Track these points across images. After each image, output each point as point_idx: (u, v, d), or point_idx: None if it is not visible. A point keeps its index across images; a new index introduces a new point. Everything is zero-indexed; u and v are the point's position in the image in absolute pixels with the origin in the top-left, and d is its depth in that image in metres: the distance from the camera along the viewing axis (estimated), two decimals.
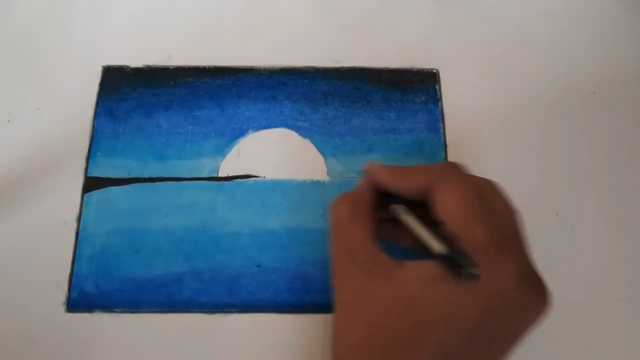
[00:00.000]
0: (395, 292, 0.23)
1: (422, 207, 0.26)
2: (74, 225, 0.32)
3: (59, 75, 0.36)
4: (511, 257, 0.23)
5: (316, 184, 0.33)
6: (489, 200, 0.24)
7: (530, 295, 0.23)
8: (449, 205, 0.24)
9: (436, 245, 0.23)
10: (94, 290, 0.31)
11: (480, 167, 0.34)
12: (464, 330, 0.22)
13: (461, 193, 0.24)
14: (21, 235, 0.32)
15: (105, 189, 0.33)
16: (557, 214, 0.33)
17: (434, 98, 0.36)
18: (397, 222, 0.27)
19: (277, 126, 0.35)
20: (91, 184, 0.33)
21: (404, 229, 0.27)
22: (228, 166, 0.34)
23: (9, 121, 0.35)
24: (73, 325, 0.30)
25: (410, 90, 0.36)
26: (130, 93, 0.35)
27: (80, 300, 0.30)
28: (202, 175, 0.33)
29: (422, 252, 0.25)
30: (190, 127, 0.34)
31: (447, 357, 0.22)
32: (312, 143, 0.34)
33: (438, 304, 0.22)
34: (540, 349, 0.30)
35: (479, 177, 0.26)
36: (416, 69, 0.37)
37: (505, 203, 0.25)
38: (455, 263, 0.22)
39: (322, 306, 0.30)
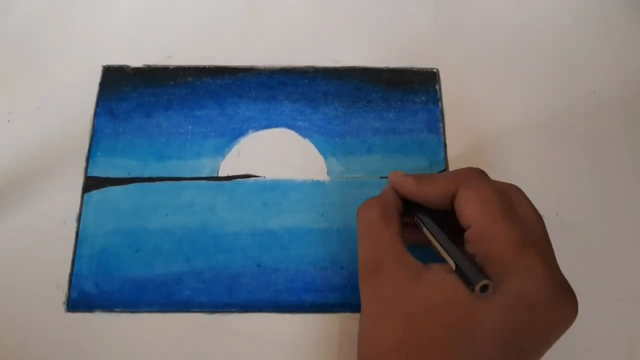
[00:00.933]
0: (427, 294, 0.23)
1: (449, 216, 0.25)
2: (74, 225, 0.32)
3: (59, 75, 0.36)
4: (538, 259, 0.22)
5: (316, 184, 0.33)
6: (513, 204, 0.24)
7: (558, 299, 0.22)
8: (472, 207, 0.24)
9: (449, 261, 0.23)
10: (94, 290, 0.31)
11: (480, 166, 0.34)
12: (493, 335, 0.21)
13: (485, 196, 0.24)
14: (21, 235, 0.32)
15: (105, 188, 0.33)
16: (557, 214, 0.33)
17: (434, 98, 0.36)
18: (417, 228, 0.27)
19: (277, 126, 0.35)
20: (91, 183, 0.33)
21: (424, 236, 0.27)
22: (228, 166, 0.34)
23: (9, 121, 0.35)
24: (73, 325, 0.30)
25: (410, 90, 0.36)
26: (130, 93, 0.35)
27: (80, 300, 0.30)
28: (202, 175, 0.33)
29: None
30: (190, 127, 0.34)
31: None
32: (312, 143, 0.34)
33: (466, 308, 0.22)
34: None
35: (503, 182, 0.26)
36: (416, 69, 0.37)
37: (530, 208, 0.25)
38: (465, 278, 0.22)
39: (322, 306, 0.30)
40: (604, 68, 0.37)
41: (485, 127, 0.35)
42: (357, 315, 0.30)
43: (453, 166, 0.34)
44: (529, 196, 0.33)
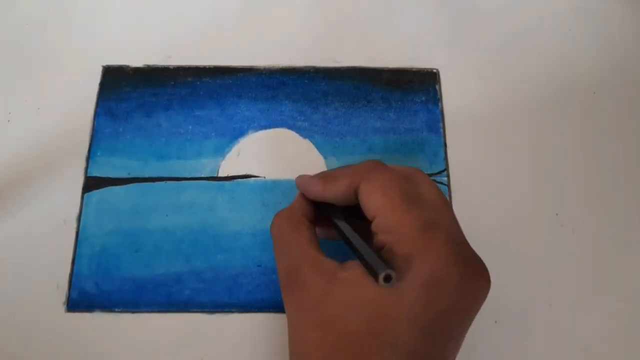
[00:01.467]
0: (343, 293, 0.23)
1: (360, 211, 0.25)
2: (74, 225, 0.32)
3: (59, 75, 0.36)
4: (441, 239, 0.22)
5: None
6: (413, 187, 0.24)
7: (467, 274, 0.22)
8: (373, 199, 0.24)
9: (359, 247, 0.23)
10: (94, 290, 0.31)
11: (480, 167, 0.34)
12: (411, 323, 0.21)
13: (383, 185, 0.24)
14: (21, 235, 0.32)
15: (105, 188, 0.33)
16: (557, 214, 0.33)
17: (434, 98, 0.36)
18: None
19: (277, 126, 0.35)
20: (91, 183, 0.33)
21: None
22: (228, 166, 0.34)
23: (9, 121, 0.35)
24: (73, 325, 0.30)
25: (410, 90, 0.36)
26: (131, 93, 0.35)
27: (80, 300, 0.30)
28: (202, 175, 0.33)
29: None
30: (190, 127, 0.34)
31: (406, 354, 0.21)
32: (312, 143, 0.34)
33: (380, 300, 0.22)
34: (540, 349, 0.30)
35: (402, 167, 0.26)
36: (416, 69, 0.37)
37: (432, 188, 0.25)
38: (370, 270, 0.22)
39: None
40: (604, 68, 0.37)
41: (485, 127, 0.35)
42: None
43: (453, 166, 0.34)
44: (529, 196, 0.33)
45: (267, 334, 0.30)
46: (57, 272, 0.31)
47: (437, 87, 0.36)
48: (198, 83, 0.36)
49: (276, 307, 0.30)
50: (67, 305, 0.30)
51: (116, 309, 0.30)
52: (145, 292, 0.31)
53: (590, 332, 0.30)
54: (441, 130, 0.35)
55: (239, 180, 0.33)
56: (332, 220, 0.27)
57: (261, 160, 0.34)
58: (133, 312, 0.30)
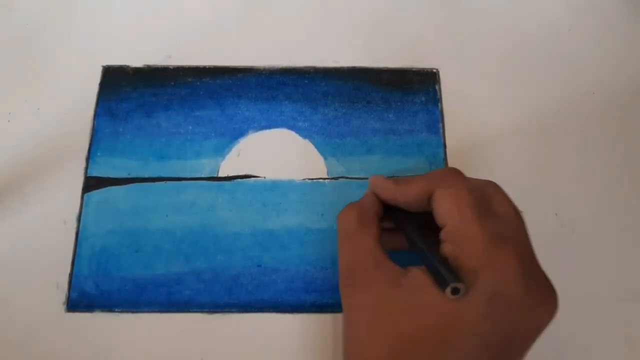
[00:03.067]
0: (406, 299, 0.23)
1: (429, 218, 0.25)
2: (74, 225, 0.32)
3: (59, 75, 0.36)
4: (512, 256, 0.22)
5: (316, 184, 0.33)
6: (489, 201, 0.24)
7: (535, 294, 0.22)
8: (446, 206, 0.24)
9: (430, 256, 0.23)
10: (94, 290, 0.31)
11: (480, 167, 0.34)
12: (474, 336, 0.21)
13: (459, 194, 0.24)
14: (21, 235, 0.32)
15: (105, 188, 0.33)
16: (557, 214, 0.33)
17: (434, 98, 0.36)
18: (399, 232, 0.27)
19: (277, 126, 0.35)
20: (91, 183, 0.33)
21: (404, 239, 0.27)
22: (228, 166, 0.34)
23: (9, 121, 0.35)
24: (73, 325, 0.30)
25: (410, 91, 0.36)
26: (131, 93, 0.35)
27: (80, 300, 0.30)
28: (202, 175, 0.33)
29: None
30: (190, 127, 0.34)
31: None
32: (312, 143, 0.34)
33: (444, 311, 0.22)
34: (540, 349, 0.30)
35: (479, 179, 0.26)
36: (416, 69, 0.37)
37: (507, 203, 0.25)
38: (438, 280, 0.22)
39: (322, 306, 0.30)
40: (604, 68, 0.37)
41: (485, 127, 0.35)
42: None
43: (453, 166, 0.34)
44: (529, 196, 0.33)
45: (267, 334, 0.30)
46: (57, 272, 0.31)
47: (437, 87, 0.36)
48: (198, 83, 0.36)
49: (276, 307, 0.30)
50: (67, 305, 0.30)
51: (116, 309, 0.30)
52: (145, 292, 0.31)
53: (590, 332, 0.30)
54: (441, 130, 0.35)
55: (239, 180, 0.33)
56: (401, 224, 0.27)
57: (261, 161, 0.34)
58: (133, 312, 0.30)
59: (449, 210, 0.24)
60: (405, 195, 0.26)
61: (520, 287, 0.22)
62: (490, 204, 0.24)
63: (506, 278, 0.22)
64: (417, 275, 0.23)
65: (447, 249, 0.23)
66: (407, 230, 0.26)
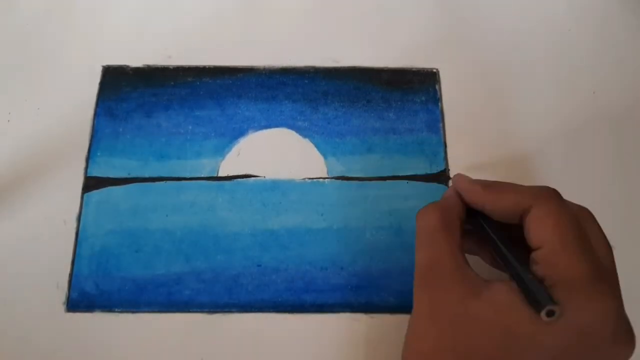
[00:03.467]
0: (484, 312, 0.22)
1: (512, 229, 0.25)
2: (74, 225, 0.32)
3: (59, 75, 0.36)
4: (608, 294, 0.22)
5: (316, 184, 0.33)
6: (585, 230, 0.23)
7: (619, 338, 0.22)
8: (545, 229, 0.23)
9: (524, 275, 0.23)
10: (94, 290, 0.31)
11: (480, 167, 0.34)
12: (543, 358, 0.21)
13: (561, 220, 0.23)
14: (21, 235, 0.32)
15: (105, 188, 0.33)
16: None
17: (434, 98, 0.36)
18: (479, 235, 0.27)
19: (277, 126, 0.35)
20: (91, 183, 0.33)
21: (486, 244, 0.26)
22: (228, 166, 0.34)
23: (9, 121, 0.35)
24: (73, 325, 0.30)
25: (410, 90, 0.36)
26: (130, 93, 0.35)
27: (80, 300, 0.30)
28: (202, 175, 0.33)
29: (501, 270, 0.25)
30: (190, 127, 0.34)
31: None
32: (312, 143, 0.34)
33: (526, 333, 0.21)
34: None
35: (575, 205, 0.25)
36: (416, 69, 0.37)
37: (601, 235, 0.24)
38: (532, 299, 0.21)
39: (322, 306, 0.30)
40: (604, 68, 0.37)
41: (485, 127, 0.35)
42: (357, 316, 0.30)
43: (453, 166, 0.34)
44: None
45: (267, 334, 0.30)
46: (57, 272, 0.31)
47: (437, 87, 0.36)
48: (198, 83, 0.36)
49: (276, 307, 0.30)
50: (67, 305, 0.30)
51: (116, 309, 0.30)
52: (145, 292, 0.31)
53: None
54: (441, 130, 0.35)
55: (239, 180, 0.33)
56: (487, 234, 0.26)
57: (261, 160, 0.34)
58: (133, 312, 0.30)
59: (547, 233, 0.23)
60: (495, 205, 0.25)
61: (610, 328, 0.21)
62: (587, 234, 0.23)
63: (598, 317, 0.21)
64: (502, 291, 0.22)
65: (538, 270, 0.23)
66: (496, 242, 0.25)
